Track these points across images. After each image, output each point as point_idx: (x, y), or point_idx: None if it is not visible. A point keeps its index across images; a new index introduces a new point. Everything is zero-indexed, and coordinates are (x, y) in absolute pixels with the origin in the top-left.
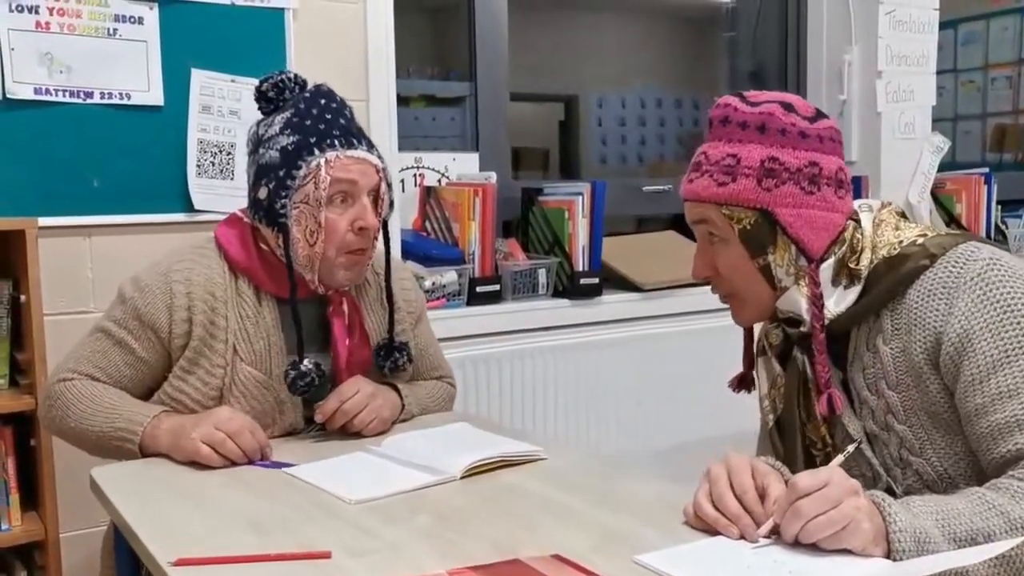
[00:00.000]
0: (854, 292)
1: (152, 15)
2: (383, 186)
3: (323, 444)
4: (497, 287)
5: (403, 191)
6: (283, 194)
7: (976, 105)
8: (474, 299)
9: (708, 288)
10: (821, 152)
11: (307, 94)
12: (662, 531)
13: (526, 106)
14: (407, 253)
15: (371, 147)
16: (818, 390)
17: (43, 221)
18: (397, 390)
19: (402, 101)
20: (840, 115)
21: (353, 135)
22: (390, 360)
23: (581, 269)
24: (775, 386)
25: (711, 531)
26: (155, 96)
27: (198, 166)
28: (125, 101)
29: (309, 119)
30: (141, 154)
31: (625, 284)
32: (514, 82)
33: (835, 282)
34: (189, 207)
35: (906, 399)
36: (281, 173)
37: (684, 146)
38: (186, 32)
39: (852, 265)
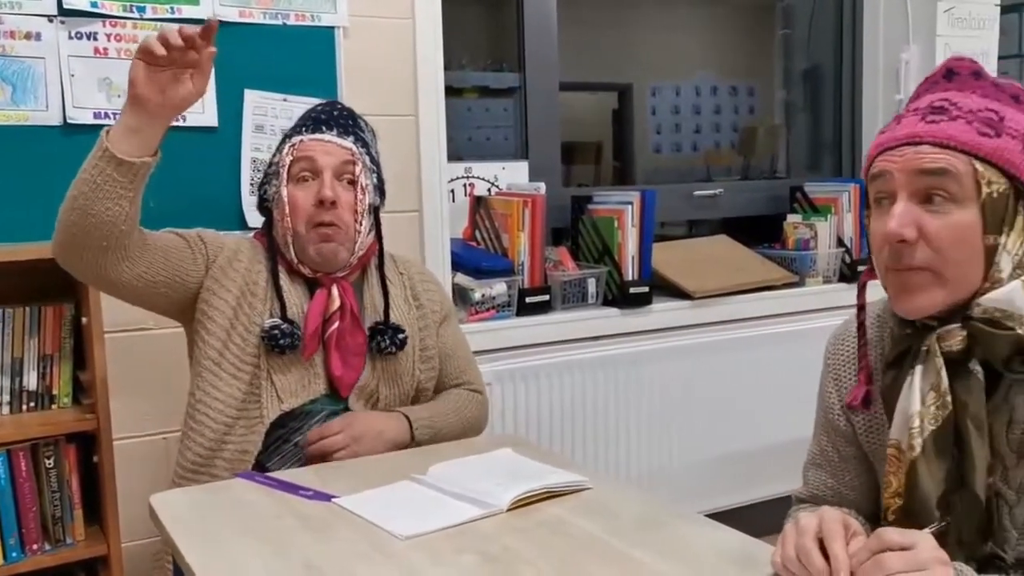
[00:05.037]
0: None
1: None
2: (358, 169)
3: (367, 472)
4: (547, 297)
5: (453, 201)
6: (265, 181)
7: None
8: (523, 310)
9: (759, 295)
10: None
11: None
12: None
13: (579, 98)
14: (456, 264)
15: (347, 134)
16: None
17: None
18: (408, 418)
19: (455, 92)
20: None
21: (324, 123)
22: (377, 341)
23: (631, 278)
24: (936, 404)
25: None
26: (210, 117)
27: (251, 184)
28: (181, 123)
29: (299, 122)
30: (197, 174)
31: (676, 292)
32: (568, 72)
33: None
34: (243, 225)
35: None
36: (268, 166)
37: (740, 135)
38: (239, 53)
39: None
